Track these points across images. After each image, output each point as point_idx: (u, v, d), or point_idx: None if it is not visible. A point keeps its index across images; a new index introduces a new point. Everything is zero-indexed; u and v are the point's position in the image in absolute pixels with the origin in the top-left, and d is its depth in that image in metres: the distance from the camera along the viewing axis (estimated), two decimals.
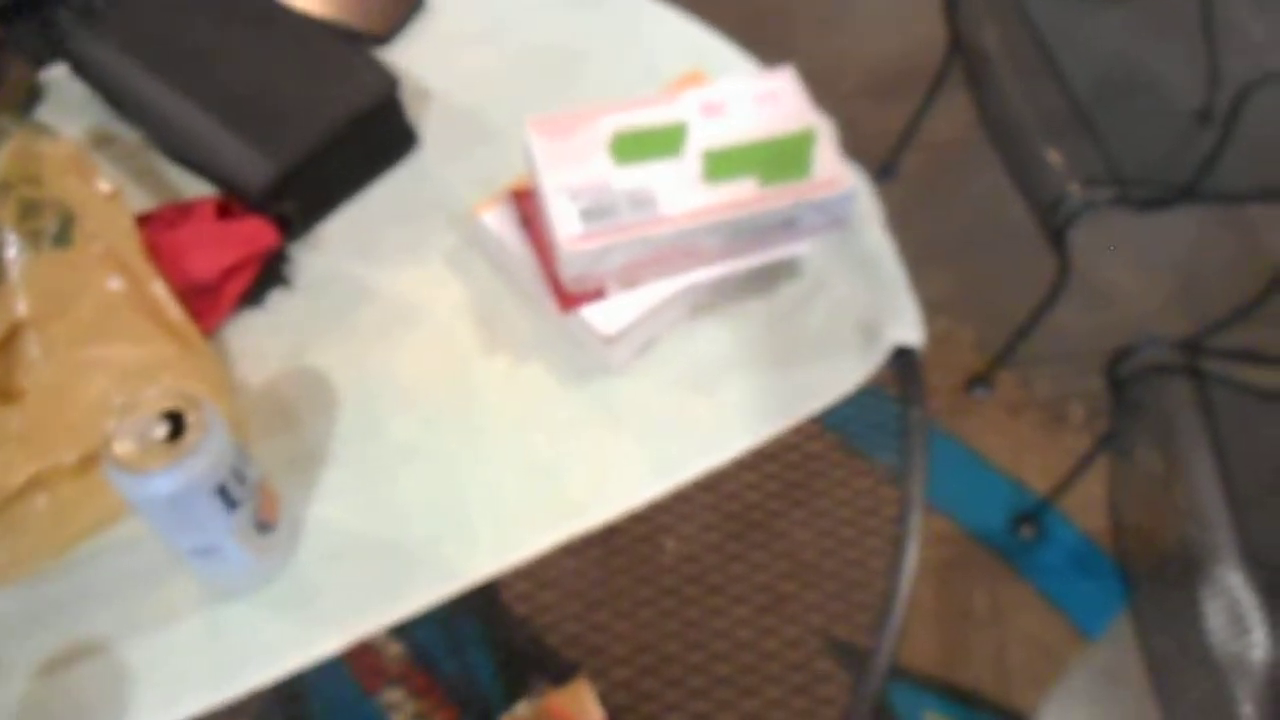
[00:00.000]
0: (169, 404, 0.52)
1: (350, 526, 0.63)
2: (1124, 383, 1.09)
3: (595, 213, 0.67)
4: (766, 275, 0.73)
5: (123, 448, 0.51)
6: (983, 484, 1.43)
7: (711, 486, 0.69)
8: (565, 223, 0.66)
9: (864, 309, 0.73)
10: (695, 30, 0.89)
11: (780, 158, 0.69)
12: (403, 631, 0.80)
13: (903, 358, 0.72)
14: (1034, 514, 1.39)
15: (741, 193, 0.68)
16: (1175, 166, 1.26)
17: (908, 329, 0.71)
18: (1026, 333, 1.44)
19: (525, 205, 0.71)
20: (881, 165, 1.78)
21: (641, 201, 0.67)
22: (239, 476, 0.55)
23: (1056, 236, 1.24)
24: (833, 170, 0.69)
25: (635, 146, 0.70)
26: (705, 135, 0.70)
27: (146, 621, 0.60)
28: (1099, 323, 1.57)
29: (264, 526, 0.59)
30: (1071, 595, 1.32)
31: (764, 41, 2.05)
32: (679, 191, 0.68)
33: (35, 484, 0.62)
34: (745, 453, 0.66)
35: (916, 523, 0.65)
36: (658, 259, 0.68)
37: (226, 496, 0.54)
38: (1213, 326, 1.31)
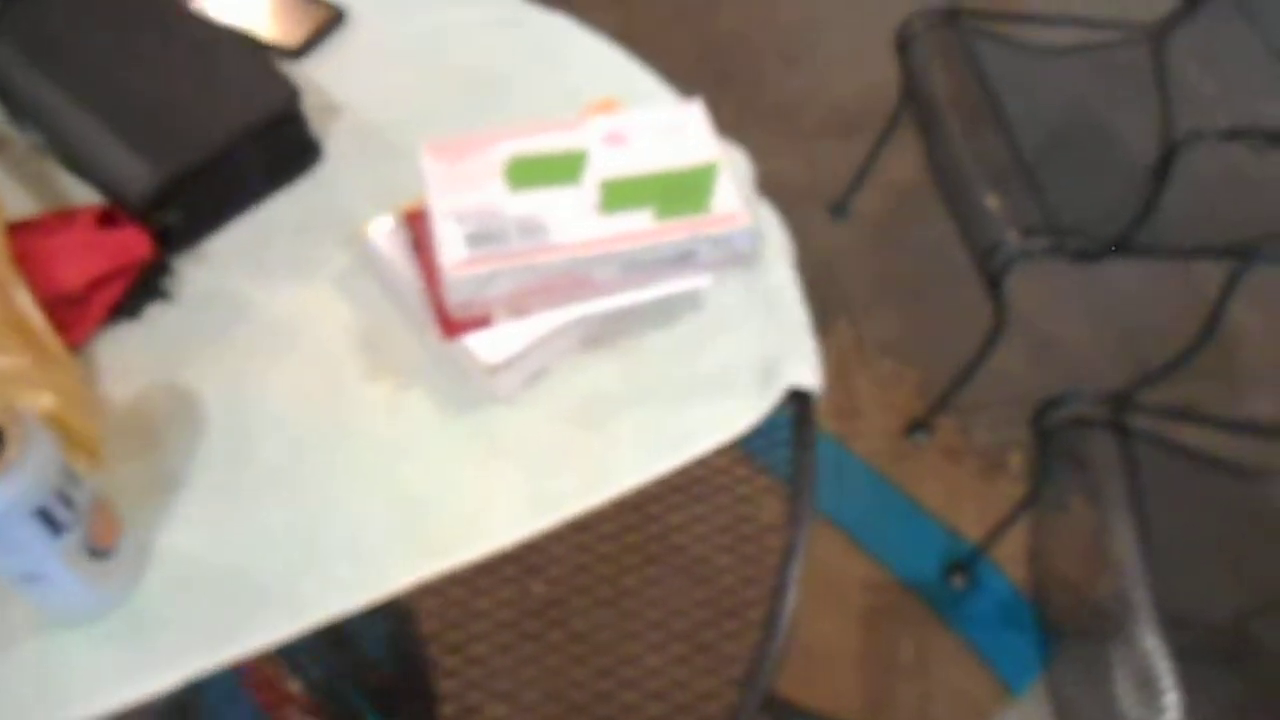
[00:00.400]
0: None
1: (202, 556, 0.60)
2: (1051, 434, 1.07)
3: (482, 238, 0.64)
4: (665, 309, 0.71)
5: None
6: (917, 531, 1.41)
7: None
8: (450, 247, 0.64)
9: (764, 349, 0.70)
10: (618, 57, 0.88)
11: (678, 191, 0.67)
12: (298, 666, 0.77)
13: (798, 401, 0.69)
14: (967, 563, 1.37)
15: (636, 224, 0.66)
16: (1116, 220, 1.26)
17: (806, 372, 0.69)
18: (967, 379, 1.42)
19: (417, 227, 0.69)
20: (835, 204, 1.77)
21: (532, 229, 0.65)
22: (65, 499, 0.51)
23: (993, 283, 1.23)
24: (732, 206, 0.67)
25: (531, 172, 0.68)
26: (605, 164, 0.68)
27: None
28: (1043, 371, 1.56)
29: (99, 553, 0.55)
30: (1000, 648, 1.30)
31: (728, 76, 2.05)
32: (573, 220, 0.66)
33: None
34: (631, 491, 0.64)
35: (797, 571, 0.63)
36: (547, 288, 0.66)
37: (49, 520, 0.51)
38: (1143, 380, 1.30)
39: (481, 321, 0.65)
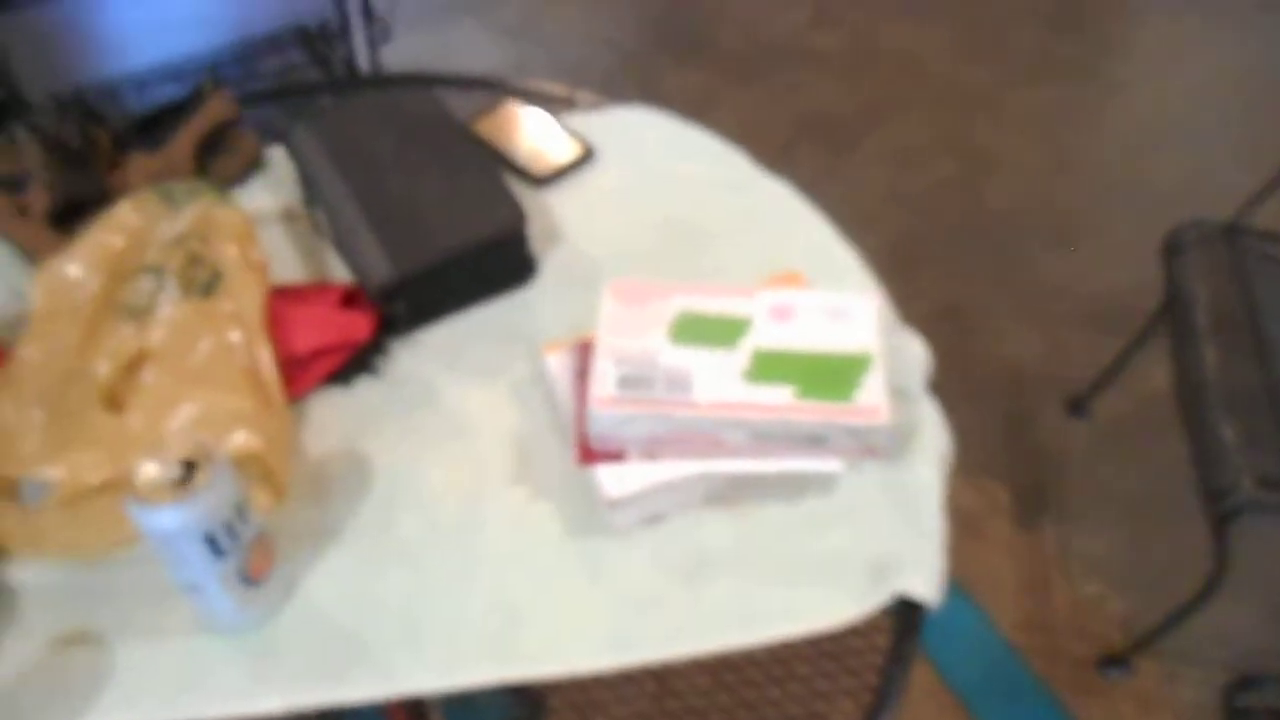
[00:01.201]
0: (189, 453, 0.60)
1: (329, 605, 0.68)
2: (1244, 716, 0.94)
3: (631, 381, 0.70)
4: (794, 484, 0.72)
5: (141, 479, 0.59)
6: None
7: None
8: (602, 383, 0.70)
9: (884, 546, 0.70)
10: (826, 232, 0.91)
11: (824, 374, 0.69)
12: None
13: (906, 612, 0.68)
14: None
15: (776, 398, 0.68)
16: None
17: (922, 583, 0.67)
18: (1179, 623, 1.28)
19: (584, 357, 0.75)
20: (1075, 400, 1.67)
21: (678, 382, 0.70)
22: (231, 532, 0.61)
23: (1220, 526, 1.11)
24: (875, 400, 0.68)
25: (694, 330, 0.72)
26: (764, 335, 0.72)
27: (142, 630, 0.68)
28: (1275, 637, 1.36)
29: (249, 581, 0.65)
30: None
31: (988, 250, 2.01)
32: (717, 381, 0.70)
33: (107, 486, 0.72)
34: (708, 656, 0.65)
35: None
36: (680, 440, 0.70)
37: (214, 546, 0.61)
38: None
39: (615, 456, 0.70)
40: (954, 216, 2.01)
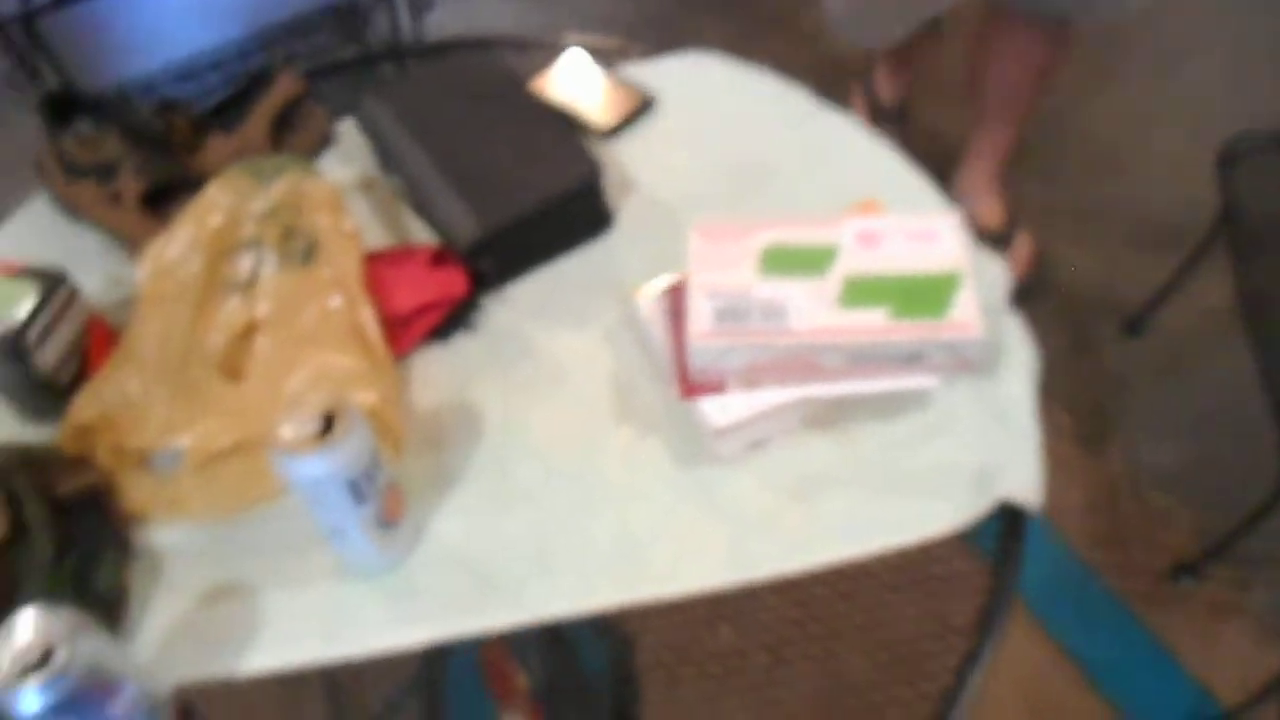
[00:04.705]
0: (327, 407, 0.64)
1: (458, 544, 0.72)
2: None
3: (728, 314, 0.73)
4: (893, 402, 0.74)
5: (285, 433, 0.63)
6: (1166, 684, 1.29)
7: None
8: (699, 318, 0.73)
9: (984, 456, 0.72)
10: (893, 160, 0.93)
11: (917, 294, 0.71)
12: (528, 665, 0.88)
13: (1010, 517, 0.70)
14: None
15: (870, 320, 0.71)
16: None
17: (1023, 488, 0.70)
18: (1250, 529, 1.29)
19: (676, 297, 0.78)
20: (1130, 320, 1.68)
21: (773, 312, 0.72)
22: (369, 477, 0.65)
23: None
24: (968, 315, 0.70)
25: (783, 261, 0.75)
26: (853, 262, 0.74)
27: (288, 579, 0.72)
28: None
29: (386, 525, 0.69)
30: None
31: (1031, 180, 2.00)
32: (811, 309, 0.72)
33: (236, 449, 0.76)
34: (822, 568, 0.68)
35: (973, 690, 0.64)
36: (779, 367, 0.72)
37: (356, 491, 0.65)
38: None
39: (716, 387, 0.73)
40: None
